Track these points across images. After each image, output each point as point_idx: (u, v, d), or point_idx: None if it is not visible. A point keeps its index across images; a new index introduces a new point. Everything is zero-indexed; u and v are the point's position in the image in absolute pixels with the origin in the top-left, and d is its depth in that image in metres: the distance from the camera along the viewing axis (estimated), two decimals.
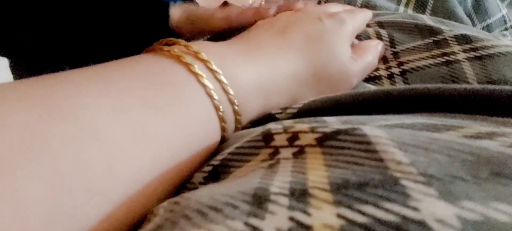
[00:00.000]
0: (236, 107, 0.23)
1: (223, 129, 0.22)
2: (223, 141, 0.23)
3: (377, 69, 0.33)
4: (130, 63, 0.21)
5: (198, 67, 0.22)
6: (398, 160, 0.12)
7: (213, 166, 0.19)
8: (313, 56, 0.28)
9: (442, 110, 0.22)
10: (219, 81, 0.22)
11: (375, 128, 0.15)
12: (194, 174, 0.21)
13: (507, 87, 0.19)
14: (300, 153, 0.15)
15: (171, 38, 0.24)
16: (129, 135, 0.17)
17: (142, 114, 0.18)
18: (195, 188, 0.20)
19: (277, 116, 0.25)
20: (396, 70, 0.33)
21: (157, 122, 0.18)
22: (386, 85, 0.32)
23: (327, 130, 0.15)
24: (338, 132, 0.15)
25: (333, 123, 0.20)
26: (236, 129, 0.24)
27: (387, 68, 0.33)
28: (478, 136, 0.15)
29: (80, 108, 0.16)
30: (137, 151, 0.17)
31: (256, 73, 0.25)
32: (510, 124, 0.18)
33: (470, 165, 0.12)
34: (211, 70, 0.22)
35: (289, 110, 0.24)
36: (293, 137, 0.16)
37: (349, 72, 0.30)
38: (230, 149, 0.20)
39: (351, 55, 0.31)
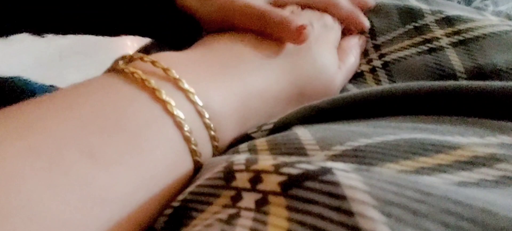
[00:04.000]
0: (212, 133, 0.20)
1: (197, 163, 0.20)
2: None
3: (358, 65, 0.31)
4: (74, 98, 0.18)
5: (166, 92, 0.19)
6: None
7: (174, 208, 0.17)
8: (299, 73, 0.25)
9: (427, 110, 0.20)
10: (193, 102, 0.20)
11: (352, 171, 0.12)
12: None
13: (495, 83, 0.18)
14: (263, 202, 0.13)
15: (134, 54, 0.21)
16: (72, 200, 0.14)
17: (88, 171, 0.15)
18: None
19: (253, 135, 0.23)
20: (377, 62, 0.31)
21: (110, 178, 0.16)
22: (369, 81, 0.30)
23: (293, 171, 0.13)
24: (305, 176, 0.13)
25: (306, 143, 0.18)
26: (213, 155, 0.22)
27: (368, 62, 0.31)
28: (475, 163, 0.13)
29: (1, 178, 0.13)
30: (83, 218, 0.14)
31: (233, 97, 0.22)
32: (506, 129, 0.17)
33: None
34: (183, 89, 0.19)
35: (264, 127, 0.22)
36: (256, 178, 0.14)
37: (334, 85, 0.27)
38: (192, 188, 0.17)
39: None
